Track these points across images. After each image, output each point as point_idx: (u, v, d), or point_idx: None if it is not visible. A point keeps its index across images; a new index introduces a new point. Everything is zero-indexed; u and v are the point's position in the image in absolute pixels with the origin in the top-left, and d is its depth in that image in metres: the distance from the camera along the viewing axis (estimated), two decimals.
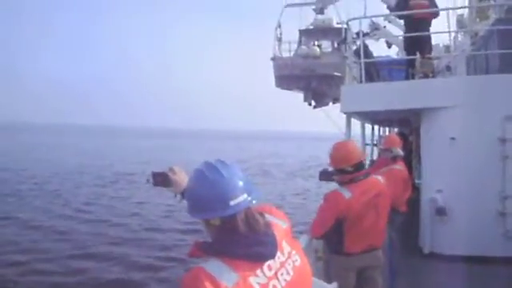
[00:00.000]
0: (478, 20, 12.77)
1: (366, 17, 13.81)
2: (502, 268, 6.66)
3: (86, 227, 16.93)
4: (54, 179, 29.31)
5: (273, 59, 20.41)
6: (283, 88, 21.11)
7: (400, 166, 6.51)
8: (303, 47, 20.95)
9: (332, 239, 4.41)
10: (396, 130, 18.74)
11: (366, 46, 9.25)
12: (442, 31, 11.73)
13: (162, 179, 2.79)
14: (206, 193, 1.89)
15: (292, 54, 21.11)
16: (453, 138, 7.45)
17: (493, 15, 13.11)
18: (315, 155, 52.94)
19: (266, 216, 2.01)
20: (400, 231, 6.16)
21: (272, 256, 1.87)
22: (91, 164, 39.61)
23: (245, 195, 1.87)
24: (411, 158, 12.08)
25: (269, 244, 1.88)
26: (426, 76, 8.80)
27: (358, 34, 9.95)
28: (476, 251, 7.03)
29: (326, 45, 22.13)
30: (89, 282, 11.20)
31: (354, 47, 10.09)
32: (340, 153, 4.41)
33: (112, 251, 13.83)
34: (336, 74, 18.88)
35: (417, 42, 8.92)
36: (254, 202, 1.91)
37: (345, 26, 16.67)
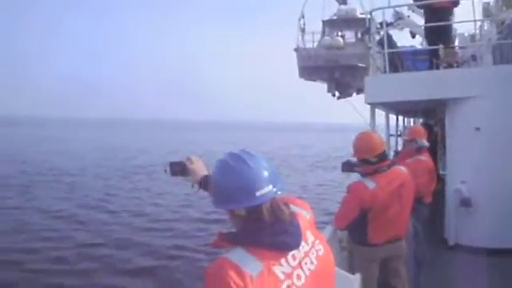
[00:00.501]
0: (504, 8, 12.52)
1: (389, 7, 13.63)
2: None
3: (107, 216, 17.24)
4: (74, 171, 29.71)
5: (296, 50, 20.26)
6: (307, 79, 20.98)
7: (425, 157, 6.45)
8: (326, 38, 20.74)
9: (356, 230, 4.42)
10: (421, 120, 18.56)
11: (389, 36, 9.17)
12: (467, 20, 11.55)
13: (179, 169, 2.82)
14: (232, 183, 1.88)
15: (315, 44, 20.98)
16: (478, 129, 7.37)
17: None
18: (339, 146, 52.77)
19: (291, 206, 2.01)
20: (425, 222, 6.12)
21: (297, 245, 1.88)
22: (111, 156, 40.06)
23: (270, 186, 1.87)
24: (436, 148, 11.96)
25: (294, 233, 1.88)
26: (450, 66, 8.70)
27: (381, 23, 9.86)
28: (501, 244, 6.96)
29: (350, 35, 21.91)
30: (107, 269, 11.36)
31: (378, 37, 10.00)
32: (363, 143, 4.42)
33: (133, 239, 14.02)
34: (360, 64, 18.69)
35: (437, 31, 8.81)
36: (279, 192, 1.91)
37: (368, 16, 16.56)
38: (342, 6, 21.12)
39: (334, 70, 19.60)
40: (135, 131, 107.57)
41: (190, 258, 12.25)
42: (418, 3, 9.39)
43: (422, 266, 5.37)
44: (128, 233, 14.87)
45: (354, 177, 4.83)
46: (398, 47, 10.32)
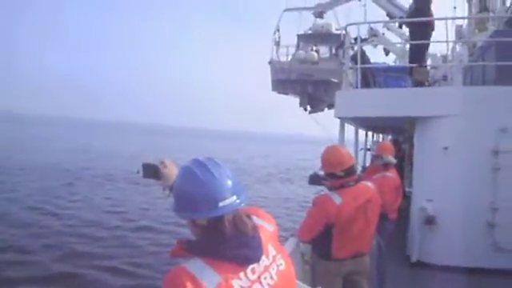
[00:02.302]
0: (476, 31, 12.77)
1: (364, 22, 13.81)
2: (489, 280, 6.66)
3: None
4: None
5: (270, 63, 20.37)
6: (279, 92, 21.08)
7: (392, 174, 6.49)
8: (301, 52, 20.91)
9: (319, 244, 4.39)
10: (389, 137, 18.77)
11: (363, 52, 9.23)
12: (440, 41, 11.74)
13: (152, 171, 2.75)
14: (194, 192, 1.85)
15: (290, 58, 21.11)
16: (446, 148, 7.43)
17: (492, 27, 13.14)
18: (303, 158, 52.98)
19: (254, 218, 1.98)
20: (389, 239, 6.14)
21: (257, 259, 1.85)
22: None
23: (234, 197, 1.84)
24: (403, 165, 12.07)
25: (254, 247, 1.85)
26: (421, 84, 8.79)
27: (355, 39, 9.93)
28: (464, 262, 7.02)
29: (324, 50, 22.14)
30: None
31: (352, 52, 10.07)
32: (331, 157, 4.39)
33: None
34: (333, 79, 18.87)
35: (424, 50, 8.89)
36: (242, 204, 1.88)
37: (343, 31, 16.74)
38: (318, 21, 21.27)
39: (307, 85, 19.76)
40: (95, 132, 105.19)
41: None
42: (414, 19, 9.37)
43: (385, 282, 5.36)
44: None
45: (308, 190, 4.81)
46: (371, 63, 10.39)
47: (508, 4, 13.97)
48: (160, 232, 15.57)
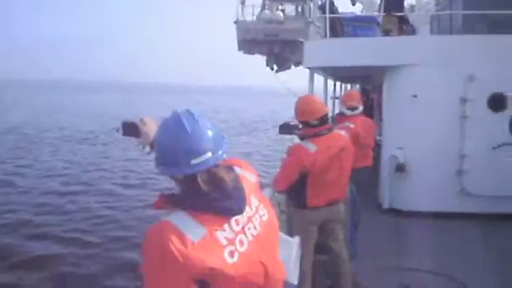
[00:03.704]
0: None
1: None
2: (458, 223, 6.88)
3: None
4: None
5: (236, 23, 20.10)
6: (245, 52, 20.87)
7: (351, 124, 6.41)
8: (267, 12, 20.60)
9: (294, 193, 4.43)
10: (357, 86, 18.91)
11: (331, 2, 9.14)
12: None
13: (131, 129, 2.68)
14: (167, 147, 1.82)
15: (255, 17, 20.88)
16: (415, 96, 7.49)
17: None
18: (271, 110, 53.10)
19: (236, 169, 1.96)
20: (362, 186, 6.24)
21: (240, 211, 1.84)
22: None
23: (209, 153, 1.79)
24: (373, 114, 12.18)
25: (237, 198, 1.84)
26: (389, 33, 8.79)
27: None
28: (434, 207, 7.21)
29: (290, 9, 21.96)
30: None
31: (320, 2, 9.97)
32: (305, 106, 4.41)
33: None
34: (299, 39, 18.79)
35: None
36: (221, 158, 1.84)
37: None
38: None
39: (274, 45, 19.64)
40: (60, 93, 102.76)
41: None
42: None
43: (358, 229, 5.47)
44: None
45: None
46: (339, 13, 10.31)
47: None
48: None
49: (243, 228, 1.84)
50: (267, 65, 20.47)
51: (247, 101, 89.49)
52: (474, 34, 7.65)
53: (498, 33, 7.56)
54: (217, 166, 1.82)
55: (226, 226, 1.78)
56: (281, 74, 20.12)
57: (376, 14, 9.39)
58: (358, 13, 15.01)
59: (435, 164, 7.38)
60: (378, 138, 9.11)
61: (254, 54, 20.81)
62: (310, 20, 18.50)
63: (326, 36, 8.64)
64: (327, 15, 8.55)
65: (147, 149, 2.64)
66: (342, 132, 4.67)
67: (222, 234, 1.76)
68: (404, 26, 9.20)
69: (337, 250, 4.61)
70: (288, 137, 5.91)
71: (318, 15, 9.48)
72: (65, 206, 13.65)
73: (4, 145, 24.93)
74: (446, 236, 6.47)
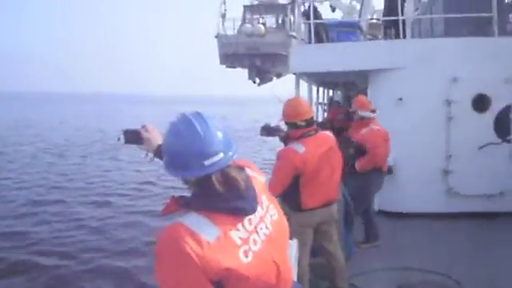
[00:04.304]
0: None
1: None
2: (445, 222, 7.05)
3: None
4: None
5: (217, 37, 20.13)
6: (228, 66, 20.96)
7: (377, 126, 6.41)
8: (248, 25, 20.73)
9: (289, 196, 4.42)
10: (338, 92, 19.07)
11: (315, 8, 9.23)
12: None
13: (134, 137, 2.71)
14: (180, 150, 1.81)
15: (236, 31, 20.99)
16: (400, 99, 7.60)
17: None
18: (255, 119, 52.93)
19: (246, 170, 1.97)
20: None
21: (253, 210, 1.84)
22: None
23: (221, 154, 1.80)
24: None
25: (250, 198, 1.84)
26: (375, 38, 8.91)
27: None
28: (422, 208, 7.36)
29: (271, 22, 22.14)
30: None
31: (302, 9, 10.06)
32: (292, 107, 4.47)
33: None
34: (281, 52, 18.94)
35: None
36: (232, 158, 1.86)
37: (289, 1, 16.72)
38: None
39: (255, 58, 19.74)
40: None
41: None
42: None
43: (352, 231, 5.54)
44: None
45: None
46: (322, 19, 10.42)
47: None
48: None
49: (256, 227, 1.85)
50: (249, 78, 20.56)
51: (228, 109, 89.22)
52: (456, 37, 7.79)
53: (478, 35, 7.73)
54: (228, 166, 1.83)
55: (239, 225, 1.79)
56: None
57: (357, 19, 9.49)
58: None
59: (422, 165, 7.50)
60: None
61: (236, 67, 20.87)
62: (290, 33, 18.69)
63: (311, 42, 8.72)
64: (311, 21, 8.63)
65: (150, 155, 2.67)
66: (328, 132, 4.72)
67: (237, 234, 1.76)
68: (389, 30, 9.28)
69: (331, 250, 4.65)
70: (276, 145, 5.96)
71: (302, 22, 9.53)
72: (40, 215, 13.42)
73: None
74: (436, 236, 6.60)
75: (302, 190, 4.35)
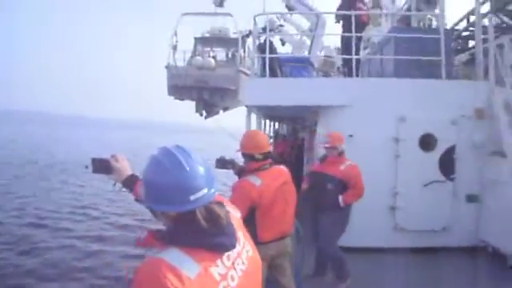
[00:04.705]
0: (370, 26, 13.45)
1: (274, 13, 14.07)
2: (391, 257, 7.23)
3: None
4: None
5: (167, 67, 20.05)
6: (176, 98, 20.83)
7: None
8: (198, 58, 20.79)
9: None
10: (284, 126, 19.36)
11: (270, 42, 9.39)
12: (335, 33, 12.28)
13: (103, 166, 2.67)
14: (163, 184, 1.79)
15: (186, 62, 21.09)
16: (350, 136, 7.76)
17: (384, 22, 13.93)
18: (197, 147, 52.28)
19: (225, 206, 1.97)
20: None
21: (233, 246, 1.85)
22: None
23: (205, 190, 1.80)
24: (303, 154, 12.39)
25: (230, 234, 1.85)
26: (327, 74, 9.10)
27: (264, 29, 10.13)
28: (369, 243, 7.51)
29: (221, 56, 22.37)
30: None
31: (257, 42, 10.21)
32: (252, 139, 4.53)
33: None
34: (230, 87, 19.11)
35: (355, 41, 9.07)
36: (214, 195, 1.86)
37: (240, 35, 16.97)
38: (216, 25, 21.58)
39: (204, 91, 19.76)
40: None
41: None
42: (345, 12, 9.45)
43: (303, 266, 5.59)
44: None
45: None
46: (277, 53, 10.60)
47: (397, 3, 15.02)
48: None
49: (233, 263, 1.86)
50: (196, 111, 20.51)
51: (169, 138, 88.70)
52: (405, 78, 8.07)
53: (427, 77, 8.05)
54: (211, 202, 1.84)
55: (218, 261, 1.79)
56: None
57: (306, 54, 9.70)
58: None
59: (370, 201, 7.61)
60: None
61: (184, 99, 20.80)
62: (240, 68, 18.90)
63: (265, 75, 8.83)
64: (267, 55, 8.76)
65: (119, 185, 2.64)
66: (282, 166, 4.76)
67: (216, 270, 1.76)
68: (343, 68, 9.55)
69: (285, 284, 4.64)
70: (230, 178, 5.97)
71: (257, 56, 9.66)
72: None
73: None
74: (382, 270, 6.76)
75: (258, 223, 4.34)
